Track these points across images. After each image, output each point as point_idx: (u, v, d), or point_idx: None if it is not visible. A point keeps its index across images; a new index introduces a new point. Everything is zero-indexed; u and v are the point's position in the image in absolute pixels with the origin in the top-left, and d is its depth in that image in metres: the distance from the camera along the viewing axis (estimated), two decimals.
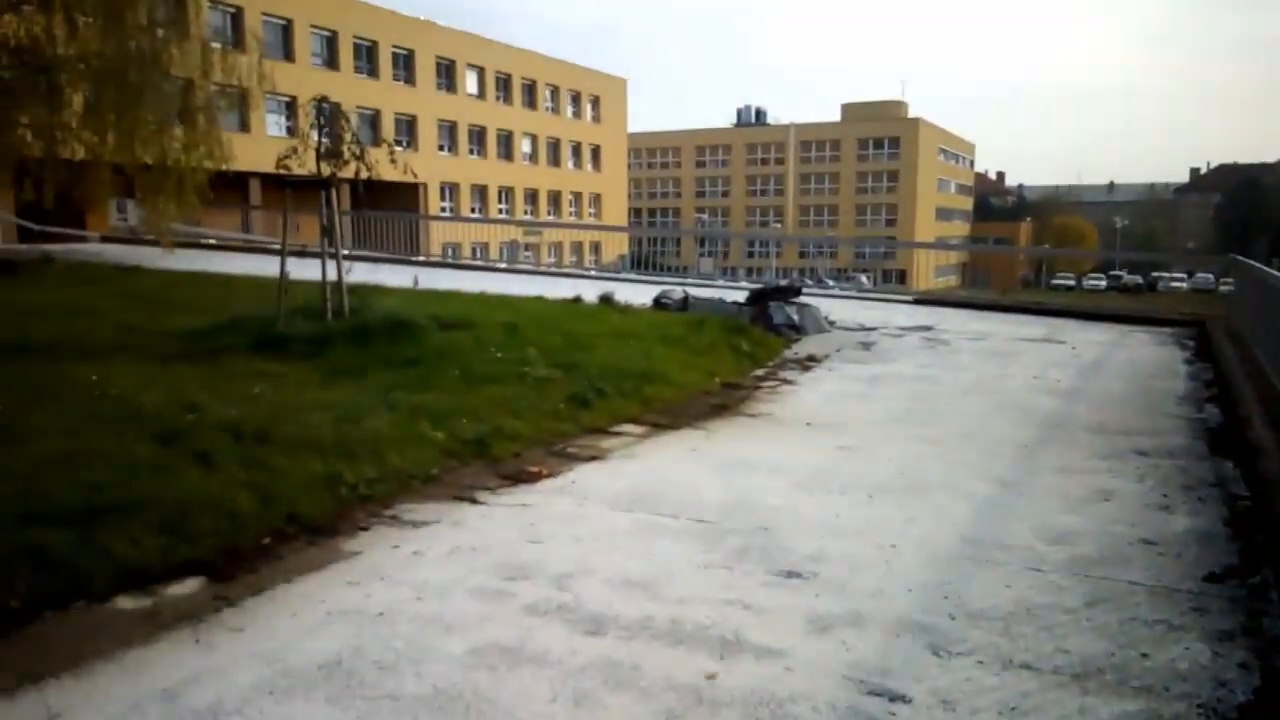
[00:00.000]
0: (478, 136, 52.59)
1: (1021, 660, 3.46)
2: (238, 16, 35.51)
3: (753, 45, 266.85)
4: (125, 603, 3.82)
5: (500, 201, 54.26)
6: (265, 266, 12.78)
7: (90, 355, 8.24)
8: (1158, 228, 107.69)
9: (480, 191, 52.73)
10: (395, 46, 46.28)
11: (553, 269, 25.16)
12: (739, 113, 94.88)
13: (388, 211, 23.46)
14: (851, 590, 4.10)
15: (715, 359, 9.85)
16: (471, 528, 4.84)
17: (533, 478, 5.74)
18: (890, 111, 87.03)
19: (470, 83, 51.62)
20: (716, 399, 8.33)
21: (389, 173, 10.26)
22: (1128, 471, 6.11)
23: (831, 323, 12.98)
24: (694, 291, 14.46)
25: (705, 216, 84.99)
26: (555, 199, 58.86)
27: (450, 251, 26.45)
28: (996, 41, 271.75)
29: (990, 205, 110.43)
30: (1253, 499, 5.43)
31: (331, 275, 9.66)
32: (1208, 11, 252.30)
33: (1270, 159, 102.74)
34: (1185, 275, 71.69)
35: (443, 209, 47.98)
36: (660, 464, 6.18)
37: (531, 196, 56.85)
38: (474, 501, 5.27)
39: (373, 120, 42.83)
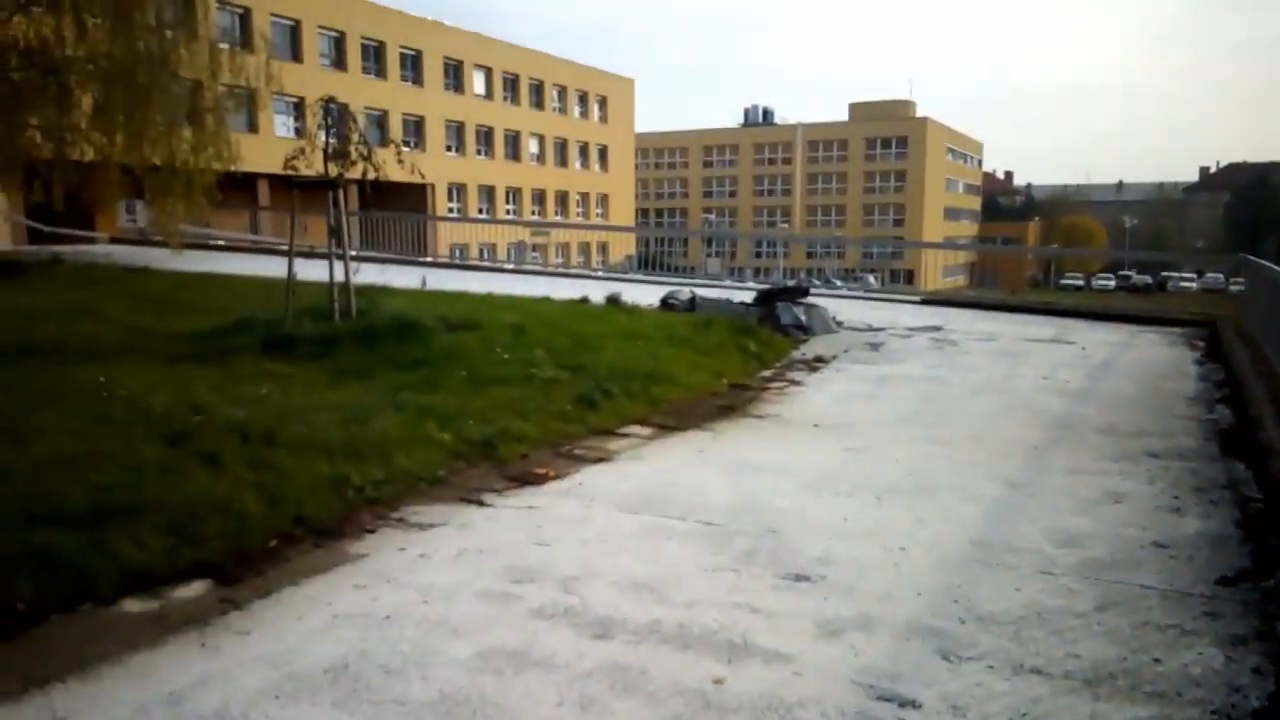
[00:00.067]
0: (485, 137, 52.65)
1: (1032, 665, 3.43)
2: (246, 17, 35.60)
3: (760, 45, 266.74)
4: (132, 605, 3.81)
5: (507, 202, 54.30)
6: (273, 267, 12.80)
7: (99, 356, 8.26)
8: (1167, 227, 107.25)
9: (488, 192, 52.78)
10: (403, 47, 46.36)
11: (560, 269, 25.14)
12: (746, 112, 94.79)
13: (395, 212, 23.48)
14: (860, 593, 4.07)
15: (722, 360, 9.82)
16: (478, 530, 4.83)
17: (540, 479, 5.73)
18: (898, 111, 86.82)
19: (478, 83, 51.67)
20: (724, 400, 8.30)
21: (396, 173, 10.26)
22: (1138, 473, 6.07)
23: (839, 323, 12.94)
24: (701, 292, 14.42)
25: (712, 217, 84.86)
26: (562, 199, 58.89)
27: (458, 252, 26.47)
28: (1004, 40, 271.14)
29: (998, 205, 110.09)
30: (1265, 501, 5.38)
31: (339, 276, 9.67)
32: (1217, 9, 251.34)
33: None
34: (1195, 275, 71.38)
35: (450, 209, 48.06)
36: (667, 466, 6.16)
37: (539, 197, 56.88)
38: (481, 504, 5.25)
39: (380, 121, 42.93)
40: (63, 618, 3.68)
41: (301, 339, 8.84)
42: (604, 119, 62.37)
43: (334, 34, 42.73)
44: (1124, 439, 6.99)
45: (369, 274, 11.39)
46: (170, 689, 3.17)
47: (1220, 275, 58.09)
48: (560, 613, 3.82)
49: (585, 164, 61.26)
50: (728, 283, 19.72)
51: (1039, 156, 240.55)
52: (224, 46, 17.65)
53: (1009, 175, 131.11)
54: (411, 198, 35.10)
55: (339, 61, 42.96)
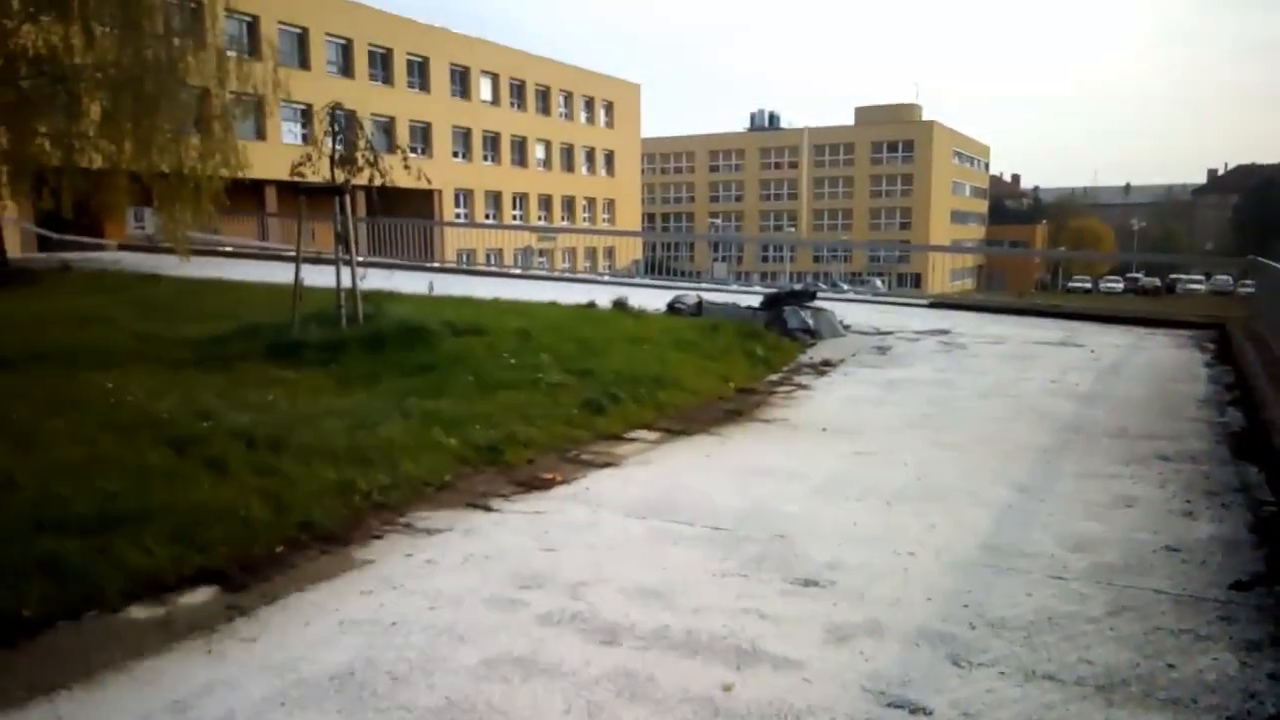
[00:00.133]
0: (492, 143, 52.74)
1: (1044, 671, 3.39)
2: (254, 25, 35.68)
3: (766, 50, 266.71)
4: (138, 612, 3.80)
5: (514, 207, 54.38)
6: (281, 273, 12.82)
7: (106, 363, 8.27)
8: (1175, 229, 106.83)
9: (494, 198, 52.86)
10: (410, 54, 46.49)
11: (566, 274, 25.16)
12: (752, 117, 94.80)
13: (402, 218, 23.52)
14: (870, 599, 4.04)
15: (730, 364, 9.79)
16: (485, 535, 4.81)
17: (546, 484, 5.70)
18: (904, 114, 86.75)
19: (484, 89, 51.78)
20: (731, 404, 8.27)
21: (403, 179, 10.28)
22: (1149, 477, 6.02)
23: (846, 327, 12.90)
24: (708, 296, 14.40)
25: (719, 221, 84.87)
26: (569, 204, 58.96)
27: (465, 257, 26.51)
28: (1011, 43, 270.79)
29: (1005, 208, 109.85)
30: (1279, 505, 5.33)
31: (346, 282, 9.67)
32: (1224, 11, 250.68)
33: None
34: (1203, 277, 71.08)
35: (457, 215, 48.14)
36: (675, 470, 6.13)
37: (545, 202, 56.95)
38: (487, 509, 5.23)
39: (387, 127, 43.04)
40: (69, 625, 3.66)
41: (308, 345, 8.84)
42: (610, 124, 62.43)
43: (341, 41, 42.88)
44: (1134, 442, 6.94)
45: (376, 279, 11.39)
46: (175, 697, 3.15)
47: (1229, 277, 57.88)
48: (567, 619, 3.79)
49: (592, 169, 61.33)
50: (734, 287, 19.70)
51: (1046, 159, 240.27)
52: (232, 54, 17.77)
53: (1016, 178, 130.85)
54: (418, 204, 35.20)
55: (346, 68, 43.09)
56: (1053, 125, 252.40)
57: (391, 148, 11.07)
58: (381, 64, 45.24)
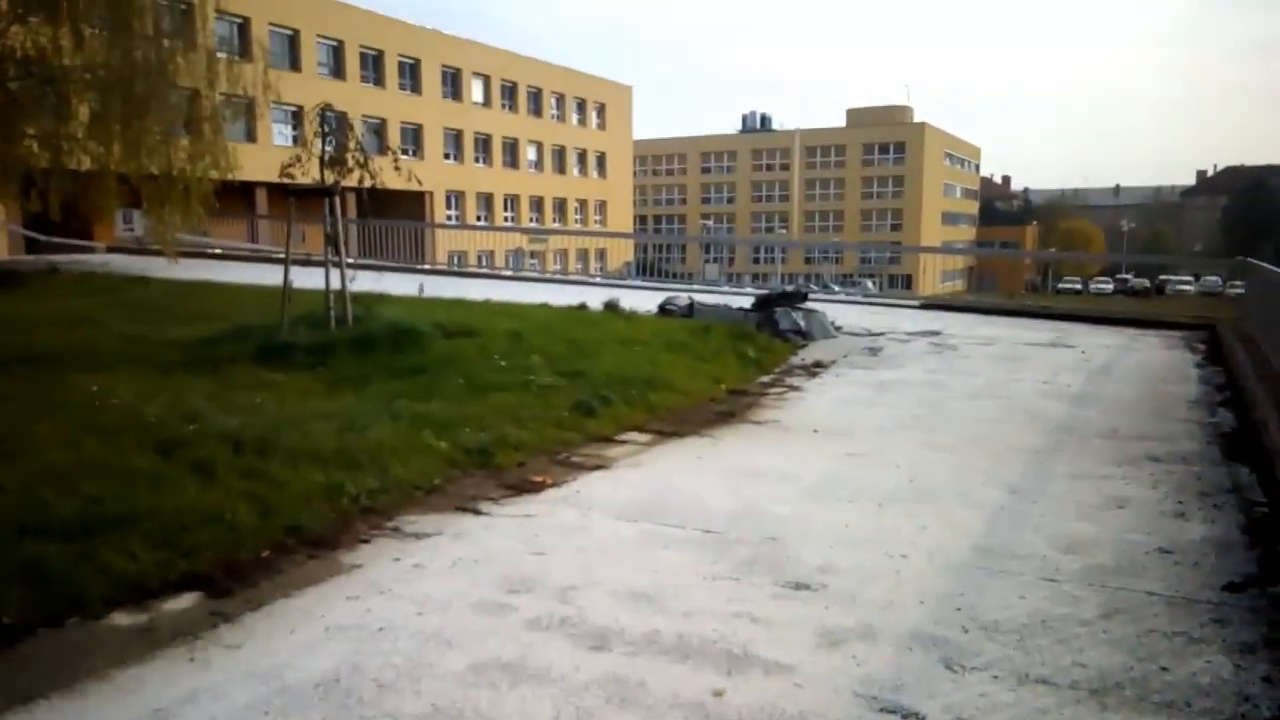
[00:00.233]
0: (483, 144, 52.68)
1: (1038, 675, 3.36)
2: (244, 27, 35.56)
3: (757, 52, 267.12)
4: (121, 619, 3.75)
5: (506, 209, 54.30)
6: (270, 276, 12.75)
7: (94, 365, 8.20)
8: (1164, 231, 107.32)
9: (486, 199, 52.80)
10: (401, 55, 46.42)
11: (558, 276, 25.08)
12: (744, 119, 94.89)
13: (393, 220, 23.45)
14: (862, 602, 4.01)
15: (721, 365, 9.76)
16: (474, 539, 4.76)
17: (536, 487, 5.66)
18: (895, 116, 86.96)
19: (476, 91, 51.72)
20: (723, 406, 8.24)
21: (394, 181, 10.23)
22: (1141, 478, 6.00)
23: (838, 328, 12.89)
24: (699, 298, 14.38)
25: (710, 223, 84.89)
26: (561, 206, 58.90)
27: (456, 259, 26.44)
28: (1001, 45, 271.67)
29: (996, 209, 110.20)
30: (1271, 505, 5.32)
31: (335, 284, 9.62)
32: (1214, 13, 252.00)
33: (1277, 161, 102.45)
34: (1192, 278, 71.33)
35: (448, 217, 48.07)
36: (666, 472, 6.10)
37: (537, 204, 56.90)
38: (477, 512, 5.19)
39: (378, 129, 42.92)
40: (50, 632, 3.60)
41: (297, 347, 8.79)
42: (602, 126, 62.42)
43: (332, 43, 42.78)
44: (1126, 443, 6.93)
45: (366, 281, 11.34)
46: (156, 705, 3.10)
47: (1218, 278, 58.08)
48: (557, 623, 3.75)
49: (583, 171, 61.30)
50: (726, 288, 19.68)
51: (1036, 161, 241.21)
52: (222, 55, 17.65)
53: (1006, 180, 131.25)
54: (410, 206, 35.14)
55: (337, 70, 42.99)
56: (1043, 127, 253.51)
57: (382, 149, 11.03)
58: (373, 65, 45.14)
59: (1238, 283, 23.12)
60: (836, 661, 3.47)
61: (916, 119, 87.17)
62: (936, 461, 6.41)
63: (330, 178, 9.58)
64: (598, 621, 3.77)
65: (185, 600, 3.93)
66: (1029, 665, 3.44)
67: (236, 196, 24.22)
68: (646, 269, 24.22)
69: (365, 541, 4.68)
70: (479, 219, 50.84)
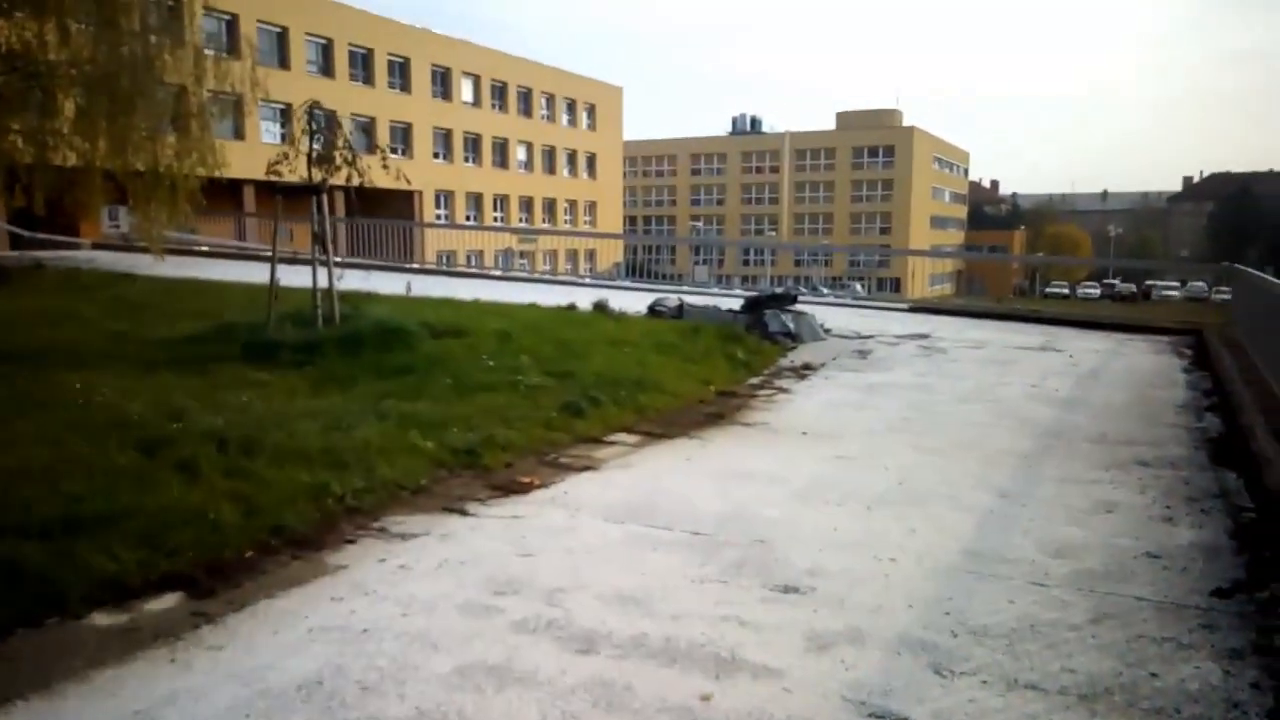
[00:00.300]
0: (473, 144, 52.57)
1: (1027, 680, 3.35)
2: (233, 24, 35.40)
3: (748, 55, 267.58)
4: (101, 619, 3.69)
5: (495, 209, 54.20)
6: (257, 273, 12.67)
7: (78, 363, 8.12)
8: (1151, 236, 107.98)
9: (475, 199, 52.67)
10: (391, 54, 46.26)
11: (547, 276, 25.03)
12: (734, 121, 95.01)
13: (382, 219, 23.35)
14: (851, 606, 3.99)
15: (710, 367, 9.74)
16: (460, 540, 4.72)
17: (524, 488, 5.62)
18: (885, 120, 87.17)
19: (466, 90, 51.61)
20: (712, 407, 8.22)
21: (383, 179, 10.16)
22: (1129, 482, 6.01)
23: (827, 330, 12.88)
24: (689, 299, 14.36)
25: (700, 224, 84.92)
26: (550, 206, 58.83)
27: (445, 259, 26.36)
28: (991, 50, 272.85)
29: (984, 214, 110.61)
30: (1258, 511, 5.33)
31: (323, 282, 9.55)
32: (1200, 22, 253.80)
33: (1263, 168, 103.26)
34: (1179, 283, 71.78)
35: (438, 216, 47.93)
36: (655, 474, 6.06)
37: (527, 204, 56.79)
38: (464, 513, 5.14)
39: (367, 128, 42.78)
40: (28, 633, 3.55)
41: (284, 345, 8.72)
42: (592, 127, 62.37)
43: (322, 41, 42.60)
44: (1114, 447, 6.94)
45: (354, 280, 11.29)
46: (136, 707, 3.05)
47: (1204, 284, 58.47)
48: (543, 626, 3.72)
49: (573, 171, 61.23)
50: (715, 290, 19.66)
51: (1025, 166, 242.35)
52: (210, 52, 17.54)
53: (995, 184, 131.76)
54: (399, 205, 35.02)
55: (326, 68, 42.83)
56: (1031, 132, 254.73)
57: (371, 148, 10.96)
58: (362, 64, 44.99)
59: (1224, 288, 23.27)
60: (825, 665, 3.44)
61: (906, 123, 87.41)
62: (925, 465, 6.40)
63: (318, 176, 9.52)
64: (585, 624, 3.73)
65: (167, 600, 3.88)
66: (1018, 670, 3.42)
67: (224, 194, 24.08)
68: (636, 270, 24.17)
69: (350, 542, 4.64)
70: (468, 219, 50.71)
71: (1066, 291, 76.88)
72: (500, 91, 54.15)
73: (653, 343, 10.37)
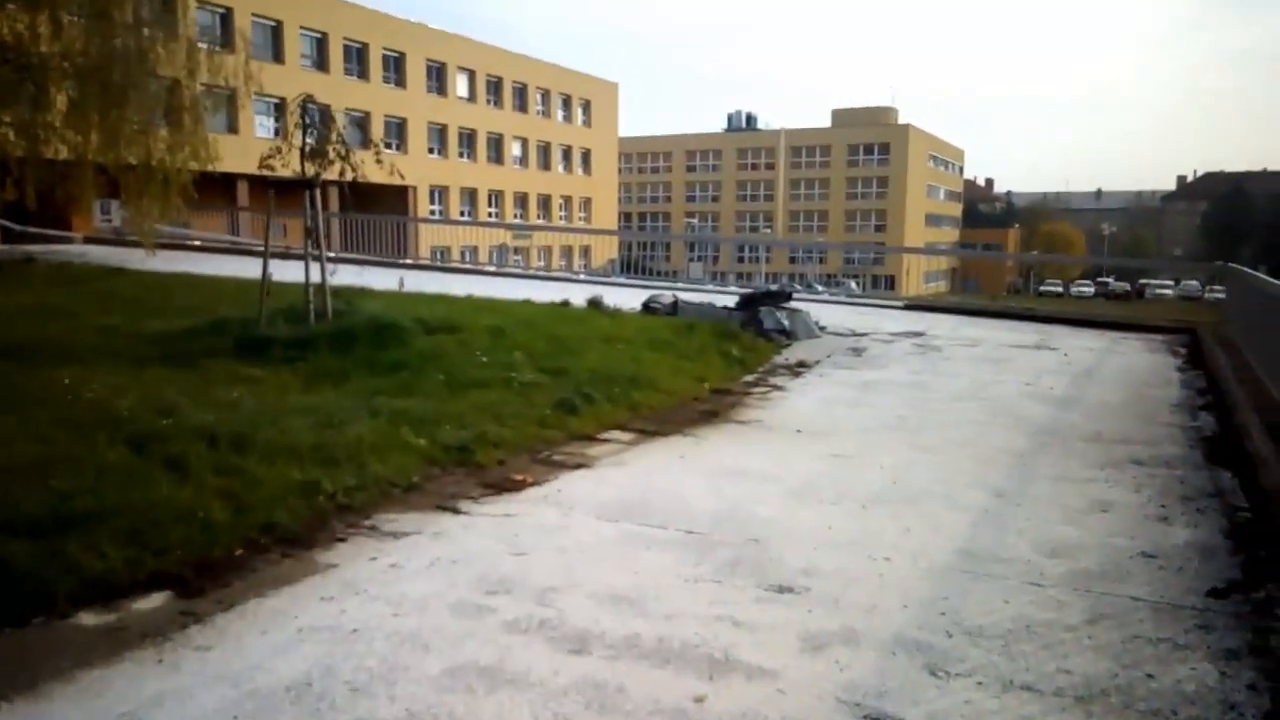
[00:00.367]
0: (468, 139, 52.43)
1: (1023, 681, 3.32)
2: (227, 17, 35.26)
3: (744, 52, 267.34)
4: (88, 618, 3.65)
5: (490, 205, 54.08)
6: (250, 268, 12.57)
7: (68, 358, 8.05)
8: (1145, 235, 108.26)
9: (470, 195, 52.55)
10: (386, 49, 46.10)
11: (542, 272, 24.97)
12: (729, 118, 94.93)
13: (376, 214, 23.27)
14: (845, 606, 3.96)
15: (705, 364, 9.71)
16: (452, 539, 4.68)
17: (517, 486, 5.59)
18: (880, 117, 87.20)
19: (461, 86, 51.45)
20: (706, 405, 8.19)
21: (376, 174, 10.10)
22: (1125, 481, 5.99)
23: (822, 328, 12.86)
24: (683, 296, 14.32)
25: (695, 221, 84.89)
26: (545, 202, 58.71)
27: (439, 254, 26.28)
28: (986, 49, 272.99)
29: (979, 212, 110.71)
30: (1253, 511, 5.32)
31: (316, 277, 9.49)
32: (1197, 22, 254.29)
33: (1256, 167, 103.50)
34: (1172, 282, 71.90)
35: (432, 212, 47.79)
36: (648, 472, 6.03)
37: (521, 200, 56.68)
38: (456, 511, 5.10)
39: (362, 122, 42.58)
40: (14, 631, 3.51)
41: (276, 341, 8.66)
42: (587, 123, 62.25)
43: (316, 35, 42.44)
44: (1109, 446, 6.93)
45: (347, 276, 11.22)
46: (122, 709, 3.01)
47: (1197, 282, 58.57)
48: (535, 626, 3.68)
49: (568, 167, 61.12)
50: (710, 287, 19.64)
51: (1019, 164, 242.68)
52: (203, 45, 17.43)
53: (990, 182, 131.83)
54: (393, 200, 34.90)
55: (321, 63, 42.66)
56: (1026, 131, 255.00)
57: (365, 143, 10.87)
58: (357, 58, 44.82)
59: (1217, 287, 23.27)
60: (820, 667, 3.41)
61: (901, 120, 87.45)
62: (920, 463, 6.37)
63: (311, 170, 9.44)
64: (577, 624, 3.70)
65: (155, 600, 3.84)
66: (1014, 671, 3.39)
67: (217, 188, 24.01)
68: (631, 266, 24.14)
69: (341, 540, 4.60)
70: (463, 214, 50.59)
71: (1060, 290, 77.04)
72: (495, 87, 54.00)
73: (647, 339, 10.33)
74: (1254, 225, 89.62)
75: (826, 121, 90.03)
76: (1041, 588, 4.19)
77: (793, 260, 51.58)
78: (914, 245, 78.20)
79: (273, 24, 39.70)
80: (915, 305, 18.12)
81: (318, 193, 9.62)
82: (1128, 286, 74.62)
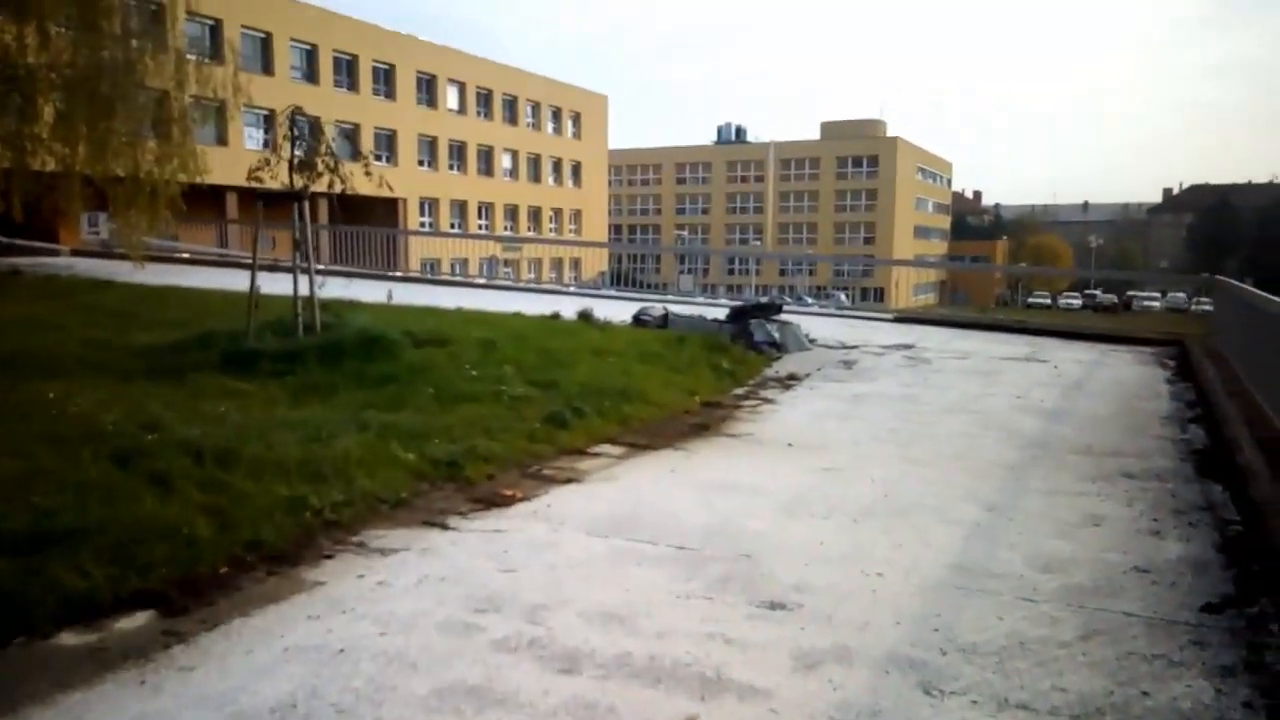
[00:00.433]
0: (458, 152, 52.44)
1: (1017, 699, 3.29)
2: (216, 29, 35.23)
3: (733, 64, 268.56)
4: (69, 639, 3.58)
5: (480, 217, 54.06)
6: (238, 281, 12.51)
7: (53, 372, 7.96)
8: (1131, 247, 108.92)
9: (460, 207, 52.52)
10: (376, 61, 46.12)
11: (532, 285, 24.95)
12: (719, 130, 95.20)
13: (365, 226, 23.20)
14: (838, 622, 3.92)
15: (695, 377, 9.68)
16: (441, 555, 4.63)
17: (506, 501, 5.54)
18: (869, 130, 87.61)
19: (451, 98, 51.50)
20: (697, 418, 8.16)
21: (366, 186, 10.05)
22: (1116, 495, 5.98)
23: (812, 340, 12.86)
24: (674, 308, 14.30)
25: (685, 233, 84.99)
26: (535, 215, 58.73)
27: (429, 267, 26.23)
28: (974, 63, 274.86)
29: (967, 224, 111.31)
30: (1245, 525, 5.31)
31: (304, 290, 9.43)
32: (1184, 35, 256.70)
33: (1242, 180, 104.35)
34: (1159, 294, 72.34)
35: (422, 224, 47.74)
36: (639, 486, 5.99)
37: (511, 212, 56.69)
38: (444, 527, 5.05)
39: (351, 135, 42.54)
40: None
41: (263, 354, 8.59)
42: (577, 135, 62.35)
43: (306, 47, 42.44)
44: (1100, 459, 6.92)
45: (336, 288, 11.17)
46: None
47: (1184, 295, 58.91)
48: (525, 645, 3.63)
49: (558, 180, 61.17)
50: (700, 299, 19.62)
51: (1007, 177, 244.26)
52: (192, 57, 17.39)
53: (978, 195, 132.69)
54: (382, 212, 34.77)
55: (311, 75, 42.64)
56: (1014, 144, 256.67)
57: (355, 155, 10.85)
58: (347, 70, 44.83)
59: (1204, 299, 23.40)
60: (813, 685, 3.37)
61: (890, 133, 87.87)
62: (912, 476, 6.35)
63: (299, 182, 9.40)
64: (567, 643, 3.65)
65: (138, 619, 3.77)
66: (1008, 689, 3.36)
67: (206, 200, 23.84)
68: (621, 279, 24.12)
69: (328, 557, 4.54)
70: (453, 226, 50.54)
71: (1048, 302, 77.40)
72: (485, 99, 54.08)
73: (637, 352, 10.30)
74: (1240, 238, 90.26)
75: (816, 134, 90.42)
76: (1035, 603, 4.16)
77: (783, 272, 51.66)
78: (903, 257, 78.41)
79: (262, 36, 39.69)
80: (905, 317, 18.15)
81: (306, 205, 9.58)
82: (1115, 299, 75.08)
